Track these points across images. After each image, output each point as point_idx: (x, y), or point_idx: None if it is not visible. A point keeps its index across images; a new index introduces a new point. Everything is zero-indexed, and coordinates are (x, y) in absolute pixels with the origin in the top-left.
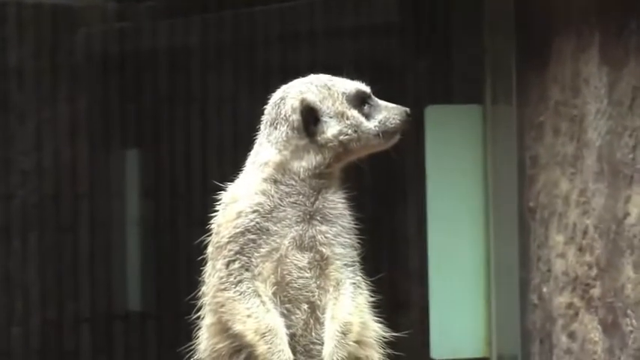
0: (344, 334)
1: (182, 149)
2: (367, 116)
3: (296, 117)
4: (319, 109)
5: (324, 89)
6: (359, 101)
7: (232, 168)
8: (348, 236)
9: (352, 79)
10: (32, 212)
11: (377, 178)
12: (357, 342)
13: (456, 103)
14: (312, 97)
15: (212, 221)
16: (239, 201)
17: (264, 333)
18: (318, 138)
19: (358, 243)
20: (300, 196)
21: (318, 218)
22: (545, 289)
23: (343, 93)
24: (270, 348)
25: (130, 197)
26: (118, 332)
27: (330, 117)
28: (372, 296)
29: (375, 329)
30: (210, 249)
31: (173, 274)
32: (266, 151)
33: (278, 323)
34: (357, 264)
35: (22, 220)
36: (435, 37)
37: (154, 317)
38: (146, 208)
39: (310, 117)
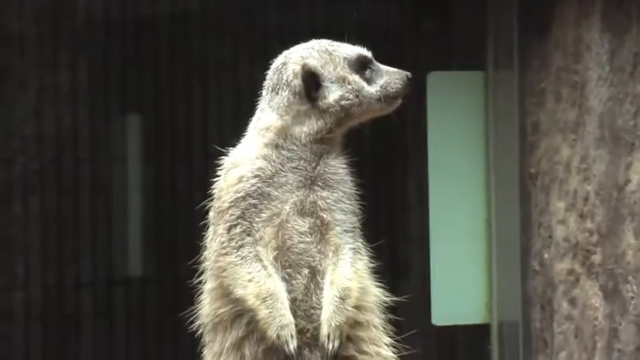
0: (342, 299)
1: (184, 114)
2: (369, 81)
3: (297, 82)
4: (321, 74)
5: (325, 54)
6: (360, 66)
7: (234, 134)
8: (348, 202)
9: (354, 44)
10: (33, 177)
11: (378, 143)
12: (357, 307)
13: (457, 70)
14: (314, 62)
15: (214, 186)
16: (240, 166)
17: (265, 297)
18: (320, 103)
19: (359, 209)
20: (302, 162)
21: (320, 183)
22: (546, 256)
23: (345, 58)
24: (271, 312)
25: (132, 162)
26: (119, 297)
27: (332, 82)
28: (371, 262)
29: (376, 294)
30: (211, 214)
31: (174, 239)
32: (267, 116)
33: (279, 288)
34: (358, 230)
35: (23, 185)
36: (437, 3)
37: (154, 282)
38: (147, 173)
39: (312, 82)
